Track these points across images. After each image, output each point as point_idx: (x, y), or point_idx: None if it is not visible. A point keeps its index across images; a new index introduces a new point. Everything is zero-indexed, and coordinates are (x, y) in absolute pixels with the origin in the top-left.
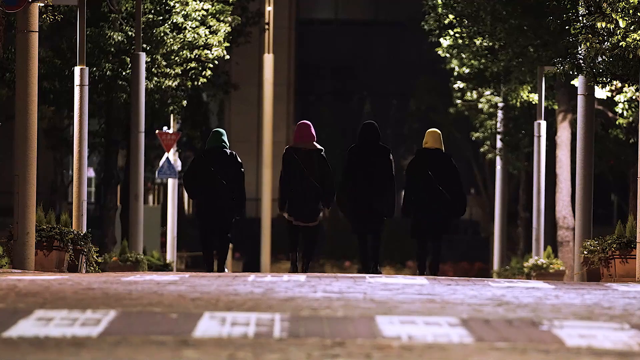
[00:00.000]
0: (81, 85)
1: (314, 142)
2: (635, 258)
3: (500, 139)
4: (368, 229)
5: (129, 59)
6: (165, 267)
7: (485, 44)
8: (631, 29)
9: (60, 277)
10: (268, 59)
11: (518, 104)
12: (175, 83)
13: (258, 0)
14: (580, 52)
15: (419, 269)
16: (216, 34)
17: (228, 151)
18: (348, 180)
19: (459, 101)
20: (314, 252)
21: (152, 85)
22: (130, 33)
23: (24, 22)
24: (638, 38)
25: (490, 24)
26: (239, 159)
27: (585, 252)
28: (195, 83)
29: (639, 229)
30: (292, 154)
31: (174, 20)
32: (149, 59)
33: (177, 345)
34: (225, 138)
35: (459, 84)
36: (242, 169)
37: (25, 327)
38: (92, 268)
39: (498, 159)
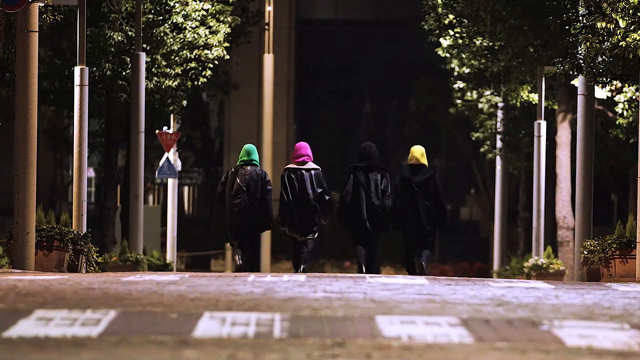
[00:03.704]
0: (81, 85)
1: (311, 162)
2: (635, 258)
3: (500, 139)
4: (364, 243)
5: (129, 59)
6: (165, 267)
7: (485, 44)
8: (631, 29)
9: (60, 277)
10: (268, 59)
11: (518, 104)
12: (175, 83)
13: (258, 0)
14: (580, 52)
15: (410, 274)
16: (216, 34)
17: (258, 169)
18: (347, 199)
19: (459, 101)
20: (309, 258)
21: (152, 85)
22: (130, 33)
23: (24, 22)
24: (638, 38)
25: (490, 24)
26: (268, 178)
27: (585, 252)
28: (195, 83)
29: (639, 229)
30: (290, 174)
31: (174, 20)
32: (149, 59)
33: (177, 345)
34: (254, 155)
35: (459, 84)
36: (270, 187)
37: (25, 327)
38: (92, 268)
39: (498, 159)
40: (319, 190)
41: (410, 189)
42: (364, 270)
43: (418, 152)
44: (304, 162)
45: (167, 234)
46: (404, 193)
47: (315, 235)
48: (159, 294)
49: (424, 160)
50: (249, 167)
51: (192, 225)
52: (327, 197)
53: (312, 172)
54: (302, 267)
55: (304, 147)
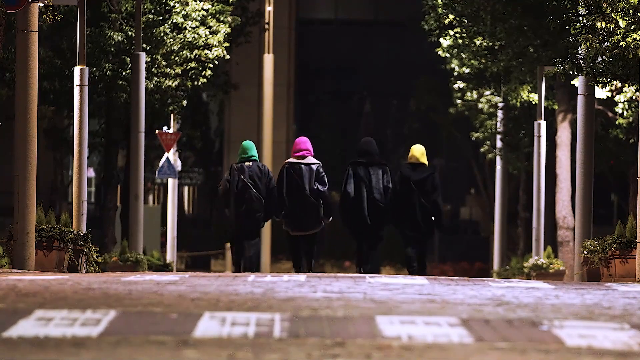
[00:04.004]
0: (81, 85)
1: (311, 157)
2: (635, 258)
3: (500, 139)
4: (365, 239)
5: (129, 59)
6: (165, 267)
7: (485, 44)
8: (631, 29)
9: (60, 277)
10: (268, 59)
11: (518, 104)
12: (175, 83)
13: (258, 0)
14: (580, 52)
15: (410, 273)
16: (216, 34)
17: (260, 164)
18: (348, 194)
19: (459, 101)
20: (314, 253)
21: (152, 85)
22: (130, 33)
23: (24, 22)
24: (638, 38)
25: (490, 24)
26: (271, 174)
27: (585, 252)
28: (195, 83)
29: (639, 229)
30: (289, 168)
31: (174, 20)
32: (149, 59)
33: (177, 345)
34: (253, 150)
35: (459, 84)
36: (273, 182)
37: (25, 327)
38: (92, 268)
39: (498, 159)
40: (317, 185)
41: (409, 186)
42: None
43: (418, 151)
44: (304, 157)
45: (167, 234)
46: (402, 191)
47: (312, 232)
48: (159, 294)
49: (424, 160)
50: (250, 163)
51: (192, 225)
52: (323, 190)
53: (312, 166)
54: (303, 269)
55: (304, 141)
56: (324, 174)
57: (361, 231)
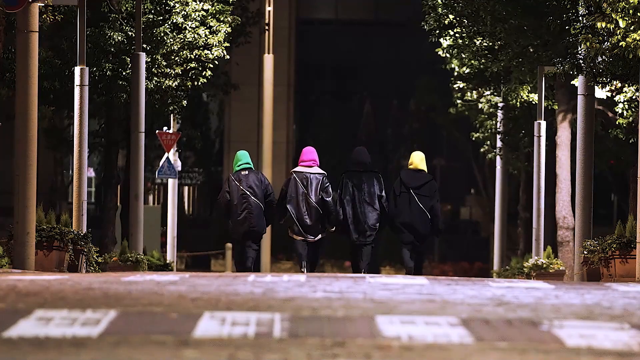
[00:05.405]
0: (81, 85)
1: (317, 167)
2: (635, 258)
3: (500, 139)
4: (360, 246)
5: (129, 59)
6: (165, 267)
7: (485, 44)
8: (631, 29)
9: (60, 277)
10: (268, 59)
11: (518, 104)
12: (176, 83)
13: (258, 0)
14: (580, 52)
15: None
16: (216, 34)
17: (257, 173)
18: (341, 203)
19: (459, 101)
20: (317, 259)
21: (152, 85)
22: (130, 33)
23: (24, 22)
24: (638, 38)
25: (490, 24)
26: (267, 181)
27: (585, 252)
28: (195, 83)
29: (639, 229)
30: (296, 177)
31: (174, 21)
32: (149, 59)
33: (177, 345)
34: (248, 158)
35: (459, 84)
36: (272, 191)
37: (25, 327)
38: (92, 268)
39: (498, 159)
40: (322, 194)
41: (408, 193)
42: (362, 270)
43: (417, 157)
44: (311, 167)
45: (167, 234)
46: (402, 197)
47: (317, 238)
48: (159, 294)
49: (423, 166)
50: (247, 172)
51: (192, 225)
52: (327, 200)
53: (318, 176)
54: (305, 266)
55: (311, 151)
56: (328, 184)
57: (355, 238)
